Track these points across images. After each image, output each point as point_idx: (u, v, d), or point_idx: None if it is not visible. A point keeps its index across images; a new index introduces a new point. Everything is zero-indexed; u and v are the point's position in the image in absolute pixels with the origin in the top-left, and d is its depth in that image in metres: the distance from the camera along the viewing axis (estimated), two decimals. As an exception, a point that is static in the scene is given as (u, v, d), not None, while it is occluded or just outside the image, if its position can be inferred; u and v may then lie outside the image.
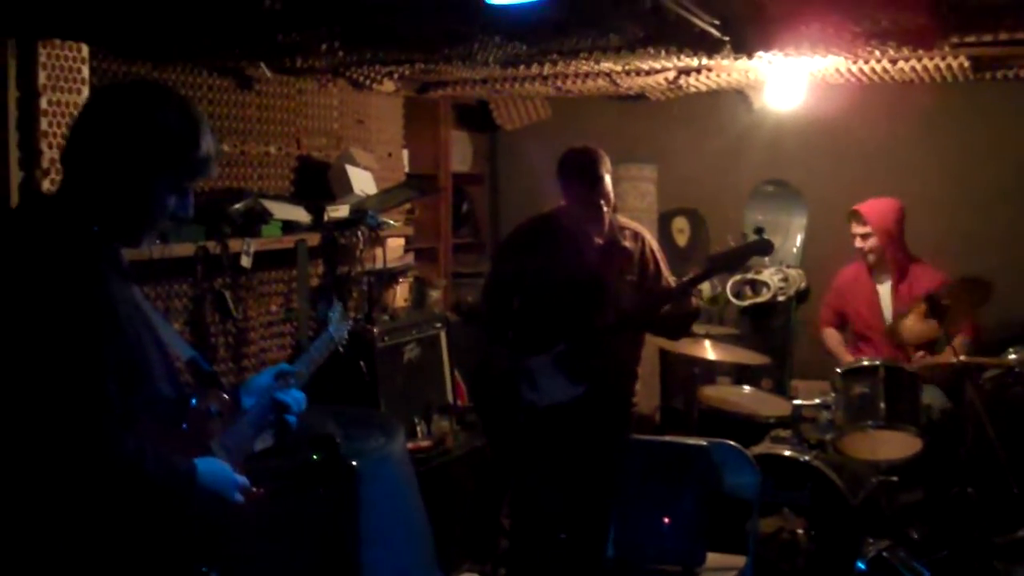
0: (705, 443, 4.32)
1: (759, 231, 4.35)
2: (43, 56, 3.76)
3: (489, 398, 4.50)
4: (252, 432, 2.56)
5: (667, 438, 4.62)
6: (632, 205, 6.99)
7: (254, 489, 2.40)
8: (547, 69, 4.96)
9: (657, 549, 4.23)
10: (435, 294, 6.22)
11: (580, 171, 4.25)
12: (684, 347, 5.38)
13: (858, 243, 5.63)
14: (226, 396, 2.52)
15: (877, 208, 5.60)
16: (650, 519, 4.28)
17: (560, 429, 4.30)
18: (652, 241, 4.49)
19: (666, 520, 4.24)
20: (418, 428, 5.30)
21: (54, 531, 2.03)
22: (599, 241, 4.32)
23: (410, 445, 5.03)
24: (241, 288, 4.75)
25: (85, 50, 3.94)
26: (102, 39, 4.01)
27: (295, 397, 2.66)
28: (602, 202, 4.24)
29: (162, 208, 2.26)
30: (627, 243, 4.39)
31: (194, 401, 2.39)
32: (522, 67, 4.83)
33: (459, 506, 5.21)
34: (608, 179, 4.28)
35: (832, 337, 5.87)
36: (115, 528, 2.06)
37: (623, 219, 4.50)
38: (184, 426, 2.33)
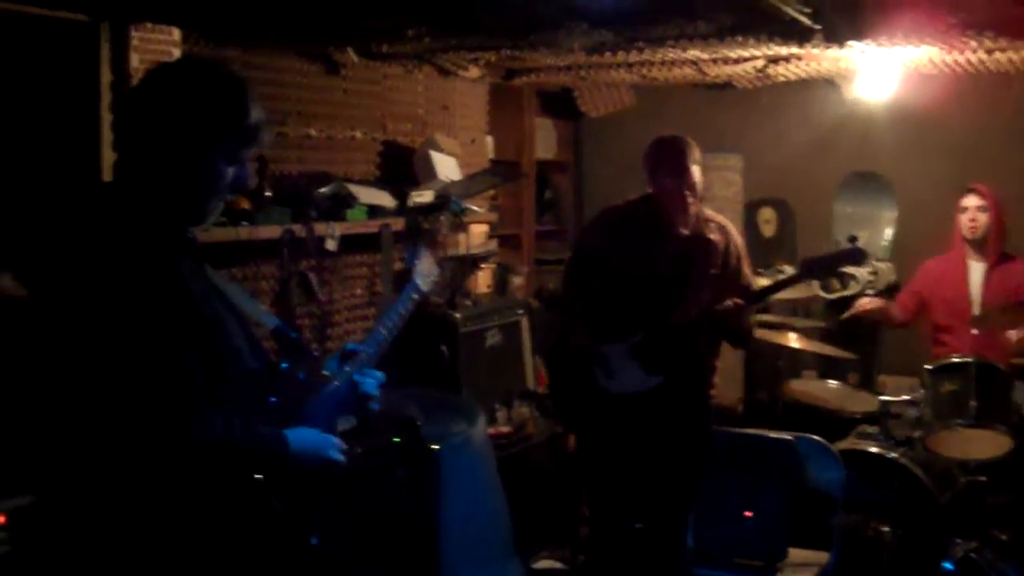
0: (789, 437, 4.27)
1: (852, 239, 4.26)
2: (135, 40, 3.83)
3: (563, 379, 4.46)
4: (333, 409, 2.51)
5: (750, 431, 4.57)
6: (717, 195, 6.92)
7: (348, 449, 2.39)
8: (632, 56, 4.92)
9: (738, 542, 4.20)
10: (517, 280, 6.21)
11: (667, 161, 4.17)
12: (770, 337, 5.30)
13: (968, 220, 5.43)
14: (312, 362, 2.51)
15: (991, 189, 5.46)
16: (731, 512, 4.25)
17: (632, 418, 4.25)
18: (737, 236, 4.41)
19: (747, 513, 4.20)
20: (498, 414, 5.30)
21: (155, 515, 2.04)
22: (684, 232, 4.26)
23: (490, 431, 5.05)
24: (326, 271, 4.79)
25: (177, 34, 4.00)
26: (193, 23, 4.06)
27: (374, 379, 2.58)
28: (688, 193, 4.18)
29: (220, 181, 2.24)
30: (712, 236, 4.32)
31: (284, 367, 2.40)
32: (607, 54, 4.79)
33: (538, 492, 5.20)
34: (696, 170, 4.20)
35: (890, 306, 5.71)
36: (219, 506, 2.08)
37: (709, 211, 4.42)
38: (275, 395, 2.32)
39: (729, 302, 4.12)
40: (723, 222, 4.38)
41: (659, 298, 4.20)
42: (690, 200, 4.18)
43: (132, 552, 2.04)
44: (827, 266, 4.21)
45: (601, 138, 7.37)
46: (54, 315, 2.07)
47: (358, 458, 2.53)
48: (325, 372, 2.55)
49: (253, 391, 2.26)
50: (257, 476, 2.13)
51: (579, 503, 5.12)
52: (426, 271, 3.09)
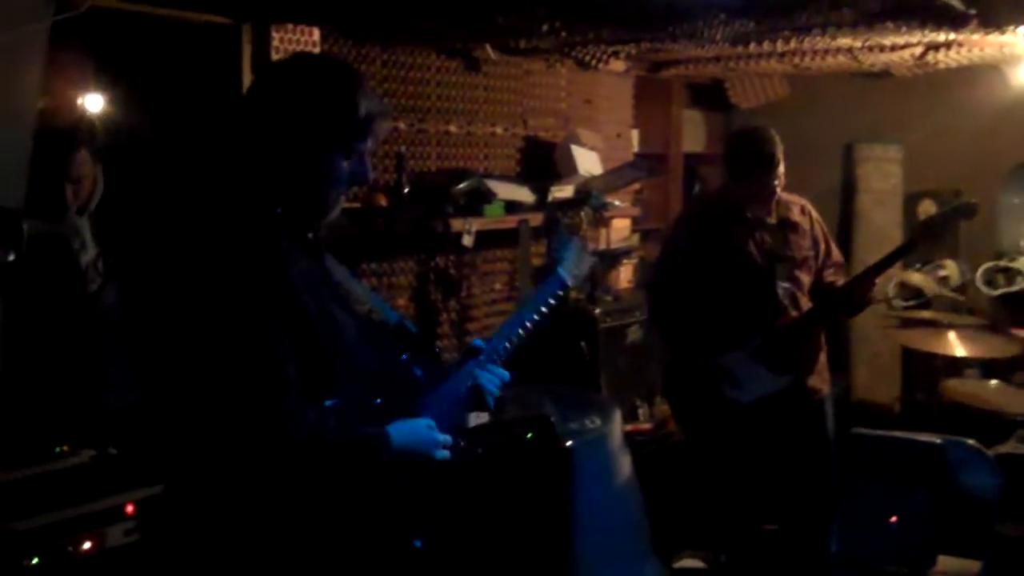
0: (939, 440, 4.08)
1: (957, 193, 4.06)
2: (276, 40, 3.91)
3: (687, 400, 4.36)
4: (455, 407, 2.44)
5: (898, 433, 4.38)
6: (875, 186, 6.71)
7: (463, 444, 2.34)
8: (781, 46, 4.78)
9: (883, 548, 4.04)
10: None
11: (758, 154, 4.02)
12: (928, 335, 5.08)
13: None
14: (433, 358, 2.44)
15: None
16: (877, 517, 4.09)
17: (768, 421, 4.14)
18: (815, 211, 4.28)
19: (894, 519, 4.03)
20: (639, 411, 5.25)
21: (261, 509, 2.05)
22: (771, 220, 4.14)
23: (630, 428, 5.00)
24: (464, 266, 4.81)
25: (316, 34, 4.07)
26: (333, 23, 4.13)
27: (495, 376, 2.48)
28: (777, 184, 4.06)
29: (335, 174, 2.21)
30: (796, 218, 4.20)
31: (403, 360, 2.36)
32: (753, 44, 4.67)
33: (680, 491, 5.11)
34: (780, 156, 4.07)
35: None
36: (319, 505, 2.07)
37: (785, 193, 4.27)
38: (392, 391, 2.28)
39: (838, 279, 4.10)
40: (802, 202, 4.27)
41: (764, 292, 4.09)
42: (777, 192, 4.09)
43: (241, 545, 2.07)
44: (937, 225, 4.03)
45: (753, 130, 7.19)
46: (161, 311, 2.12)
47: (477, 457, 2.46)
48: (447, 368, 2.49)
49: (367, 387, 2.24)
50: (356, 474, 2.11)
51: (721, 502, 5.04)
52: (574, 263, 2.86)
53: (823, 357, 4.28)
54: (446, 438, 2.29)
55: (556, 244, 3.17)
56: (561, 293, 2.75)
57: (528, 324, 2.60)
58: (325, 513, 2.08)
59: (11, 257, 2.95)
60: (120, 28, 3.59)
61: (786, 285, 4.11)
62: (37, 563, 2.55)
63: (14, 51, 3.04)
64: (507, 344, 2.55)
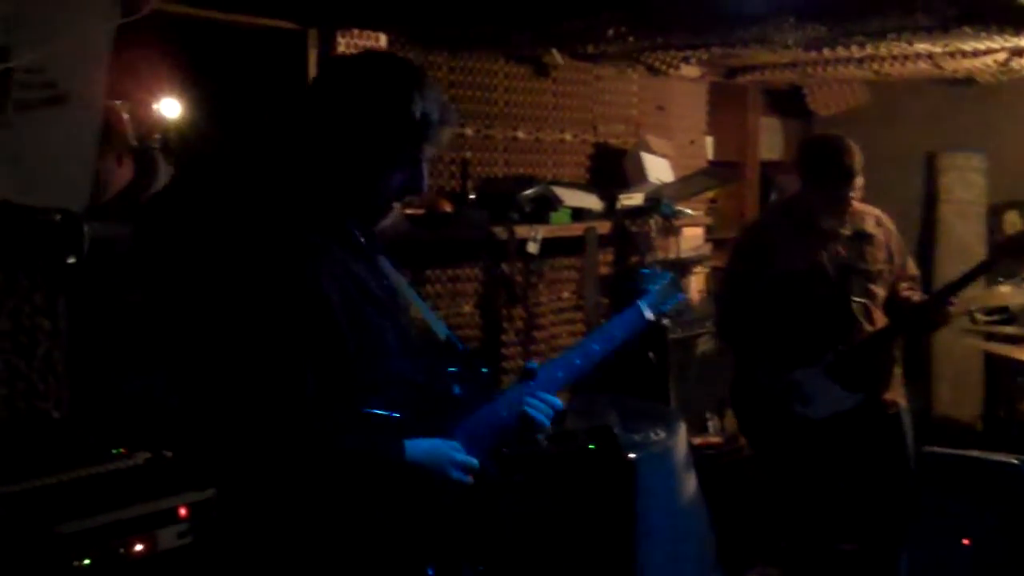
0: (1015, 460, 3.93)
1: None
2: (342, 45, 3.92)
3: (755, 416, 4.27)
4: (494, 432, 2.24)
5: (973, 453, 4.23)
6: (958, 197, 6.54)
7: (493, 470, 2.18)
8: (857, 51, 4.68)
9: (955, 572, 3.90)
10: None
11: (836, 165, 3.92)
12: (1010, 351, 4.91)
13: None
14: (477, 377, 2.26)
15: None
16: (949, 539, 3.95)
17: (842, 437, 4.04)
18: (893, 226, 4.16)
19: (966, 541, 3.90)
20: (709, 423, 5.17)
21: (290, 515, 2.00)
22: (846, 231, 4.03)
23: (699, 441, 4.92)
24: (532, 274, 4.78)
25: (383, 40, 4.07)
26: (400, 28, 4.13)
27: (546, 405, 2.27)
28: (853, 195, 3.96)
29: (386, 184, 2.08)
30: (872, 229, 4.08)
31: (446, 375, 2.23)
32: (828, 50, 4.57)
33: (750, 505, 5.02)
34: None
35: None
36: (335, 513, 2.00)
37: (859, 203, 4.15)
38: (423, 406, 2.14)
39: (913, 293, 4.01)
40: (878, 213, 4.16)
41: (837, 306, 3.98)
42: (853, 202, 4.00)
43: (280, 550, 2.03)
44: (1018, 245, 3.90)
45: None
46: (187, 311, 2.10)
47: (514, 485, 2.35)
48: (493, 390, 2.29)
49: (401, 400, 2.11)
50: (363, 480, 1.99)
51: (791, 517, 4.94)
52: (660, 298, 2.60)
53: (898, 371, 4.17)
54: (470, 461, 2.12)
55: (644, 272, 2.73)
56: (637, 330, 2.53)
57: (593, 356, 2.42)
58: (341, 523, 1.99)
59: (72, 260, 2.99)
60: (191, 34, 3.63)
61: (860, 299, 4.01)
62: (88, 564, 2.56)
63: (80, 54, 3.09)
64: (565, 373, 2.37)
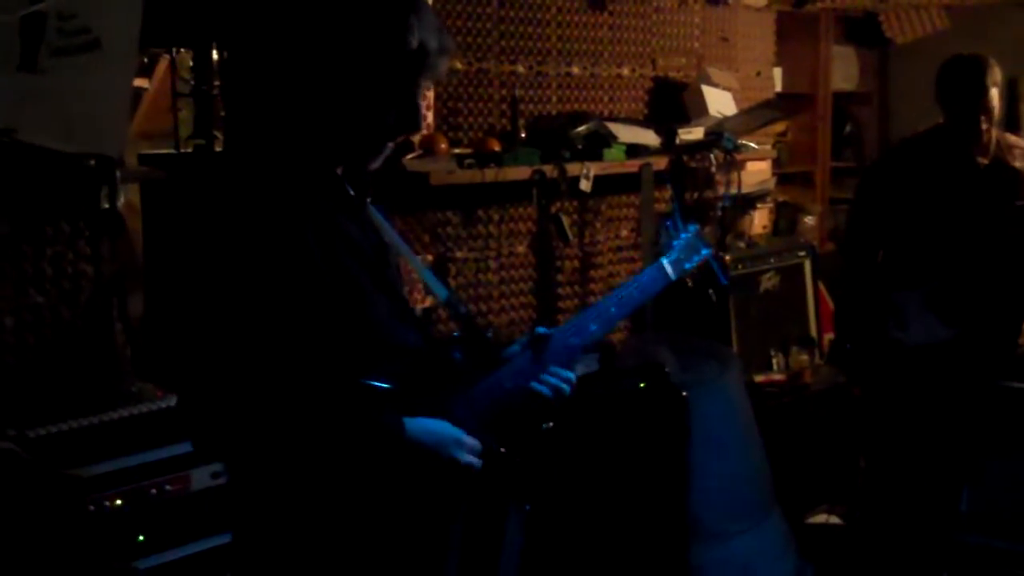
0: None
1: None
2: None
3: (852, 328, 4.22)
4: (495, 405, 2.06)
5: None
6: (1042, 131, 6.28)
7: (501, 450, 2.01)
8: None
9: (1016, 513, 3.80)
10: (809, 221, 5.93)
11: (962, 82, 3.83)
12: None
13: None
14: (480, 343, 2.10)
15: None
16: (1014, 478, 3.85)
17: (928, 371, 3.94)
18: None
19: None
20: (774, 361, 5.07)
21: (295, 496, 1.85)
22: (983, 162, 3.89)
23: (761, 378, 4.85)
24: (587, 212, 4.72)
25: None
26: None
27: (555, 378, 2.09)
28: (983, 117, 3.80)
29: (379, 122, 1.88)
30: (1017, 163, 3.92)
31: (446, 341, 2.10)
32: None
33: (815, 444, 4.94)
34: (995, 92, 3.83)
35: None
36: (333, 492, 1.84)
37: (1012, 137, 4.00)
38: (419, 376, 1.96)
39: None
40: None
41: (959, 239, 3.86)
42: (984, 127, 3.82)
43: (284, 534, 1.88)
44: None
45: (911, 66, 6.81)
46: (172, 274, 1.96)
47: (515, 466, 2.05)
48: (498, 357, 2.11)
49: (394, 363, 1.92)
50: (352, 456, 1.82)
51: (857, 456, 4.85)
52: (683, 253, 2.42)
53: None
54: (473, 442, 1.94)
55: (668, 226, 2.52)
56: (659, 289, 2.35)
57: (611, 320, 2.23)
58: (339, 506, 1.84)
59: (106, 205, 3.03)
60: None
61: (985, 235, 3.89)
62: (120, 504, 2.60)
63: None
64: (581, 340, 2.17)
